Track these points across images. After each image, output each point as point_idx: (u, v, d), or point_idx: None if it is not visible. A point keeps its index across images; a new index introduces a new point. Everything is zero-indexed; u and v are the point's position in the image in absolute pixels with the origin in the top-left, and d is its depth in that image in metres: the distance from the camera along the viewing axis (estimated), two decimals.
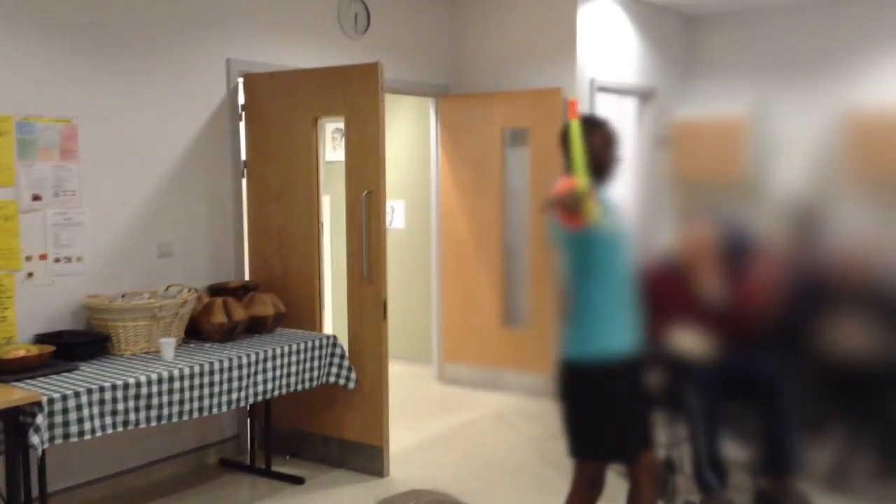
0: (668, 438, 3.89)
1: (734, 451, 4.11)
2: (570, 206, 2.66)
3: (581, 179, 2.70)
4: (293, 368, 4.10)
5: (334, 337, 4.34)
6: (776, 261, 3.86)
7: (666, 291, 3.77)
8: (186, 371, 3.60)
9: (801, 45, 6.66)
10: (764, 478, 3.87)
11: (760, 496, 3.89)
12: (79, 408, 3.23)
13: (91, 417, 3.27)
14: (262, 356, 3.94)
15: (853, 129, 4.46)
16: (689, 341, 3.68)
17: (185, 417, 3.60)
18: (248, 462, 4.57)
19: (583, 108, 5.88)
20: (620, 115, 6.54)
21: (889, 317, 3.80)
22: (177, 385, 3.55)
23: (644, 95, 6.69)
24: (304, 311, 4.58)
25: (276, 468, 4.46)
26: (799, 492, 3.80)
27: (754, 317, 3.76)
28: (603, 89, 6.09)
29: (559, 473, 4.46)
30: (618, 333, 2.94)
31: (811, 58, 6.60)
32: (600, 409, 2.94)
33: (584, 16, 5.85)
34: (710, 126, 5.49)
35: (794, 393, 3.80)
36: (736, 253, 3.83)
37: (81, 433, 3.24)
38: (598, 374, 2.92)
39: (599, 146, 2.97)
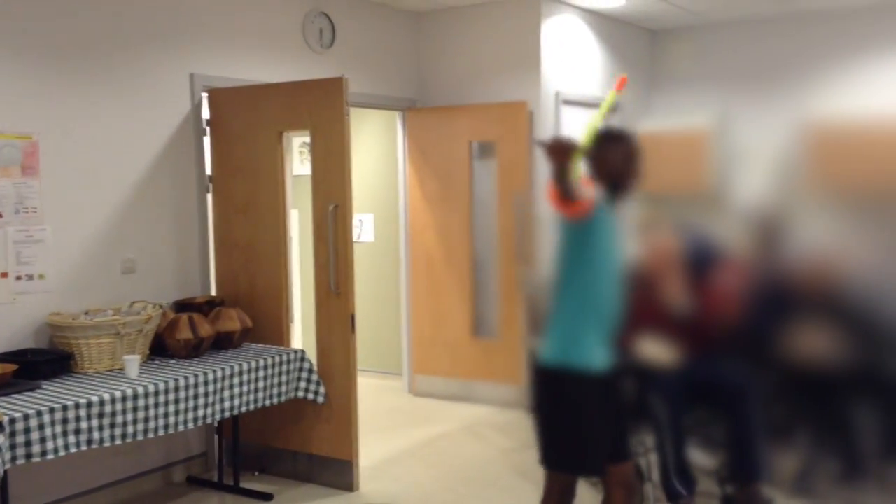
0: (637, 447, 3.92)
1: (701, 458, 4.14)
2: (561, 152, 2.63)
3: (586, 142, 2.75)
4: (261, 384, 4.08)
5: (302, 351, 4.33)
6: (740, 270, 3.91)
7: (631, 301, 3.80)
8: (151, 388, 3.57)
9: (762, 58, 6.78)
10: (731, 484, 3.90)
11: (728, 503, 3.92)
12: (41, 427, 3.19)
13: (54, 437, 3.23)
14: (228, 372, 3.91)
15: (813, 139, 4.54)
16: (655, 350, 3.71)
17: (151, 435, 3.57)
18: (215, 479, 4.54)
19: (551, 123, 5.94)
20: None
21: (851, 324, 3.86)
22: (141, 402, 3.52)
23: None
24: (271, 326, 4.56)
25: (244, 485, 4.43)
26: (765, 498, 3.84)
27: (719, 325, 3.80)
28: (568, 102, 6.15)
29: (531, 485, 4.47)
30: (600, 341, 2.92)
31: (772, 70, 6.72)
32: (575, 418, 2.93)
33: (548, 30, 5.91)
34: (673, 138, 5.56)
35: (759, 400, 3.85)
36: (700, 262, 3.87)
37: (44, 453, 3.20)
38: (577, 382, 2.90)
39: (620, 160, 2.95)
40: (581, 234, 2.89)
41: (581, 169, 2.76)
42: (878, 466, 3.91)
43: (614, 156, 2.95)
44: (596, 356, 2.92)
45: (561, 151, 2.63)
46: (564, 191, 2.69)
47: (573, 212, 2.77)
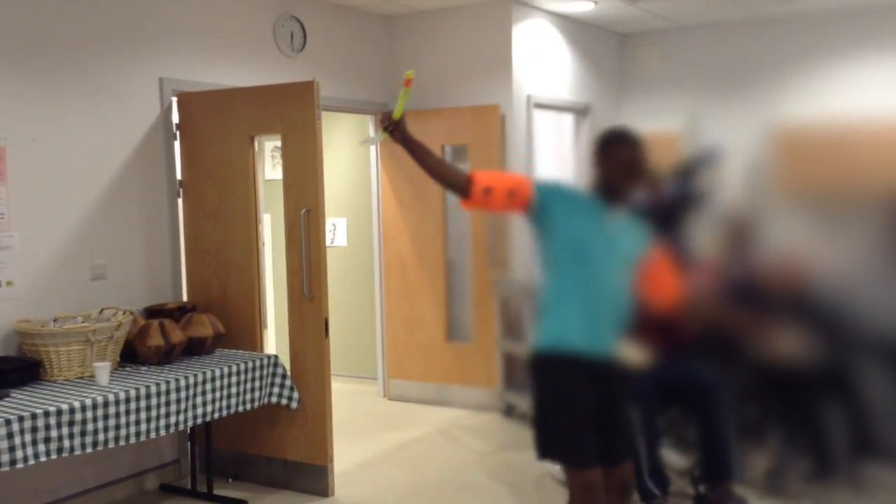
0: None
1: (675, 458, 4.18)
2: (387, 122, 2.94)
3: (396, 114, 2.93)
4: (234, 389, 4.05)
5: (275, 356, 4.30)
6: (711, 271, 3.94)
7: None
8: (122, 395, 3.53)
9: (731, 62, 6.86)
10: (704, 484, 3.94)
11: (701, 502, 3.95)
12: (10, 436, 3.14)
13: (23, 445, 3.18)
14: (200, 378, 3.88)
15: (782, 142, 4.60)
16: (627, 351, 3.73)
17: (122, 443, 3.53)
18: (189, 486, 4.49)
19: (523, 126, 5.96)
20: (558, 131, 6.64)
21: (820, 323, 3.90)
22: (112, 410, 3.48)
23: (580, 112, 6.81)
24: (244, 332, 4.53)
25: (218, 492, 4.39)
26: (738, 497, 3.87)
27: (690, 325, 3.82)
28: (540, 106, 6.18)
29: (505, 487, 4.47)
30: (571, 325, 2.86)
31: (741, 74, 6.79)
32: (547, 401, 2.89)
33: (519, 34, 5.94)
34: (644, 141, 5.60)
35: (730, 400, 3.88)
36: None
37: (13, 462, 3.15)
38: (558, 366, 2.86)
39: (616, 165, 2.87)
40: (534, 223, 2.89)
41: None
42: (848, 464, 3.96)
43: (611, 161, 2.88)
44: (569, 334, 2.87)
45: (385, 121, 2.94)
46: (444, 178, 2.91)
47: (473, 204, 2.87)
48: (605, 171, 2.91)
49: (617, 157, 2.88)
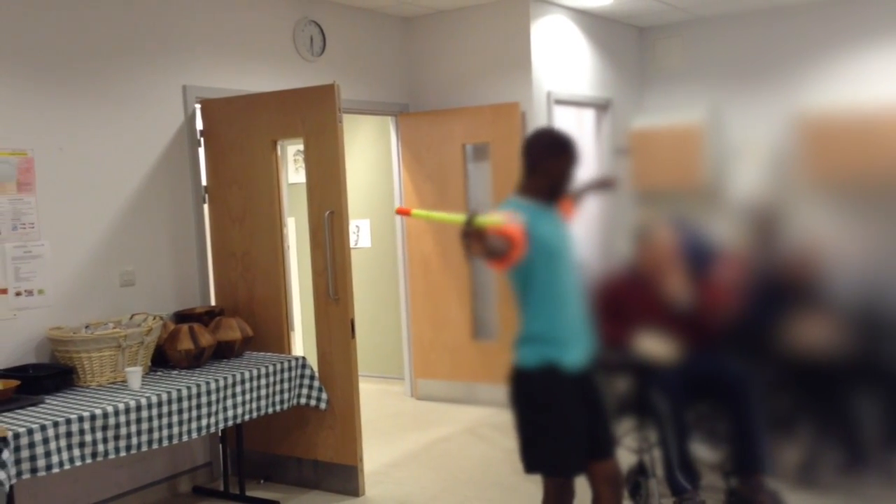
0: (640, 443, 3.93)
1: (705, 452, 4.15)
2: (474, 235, 2.54)
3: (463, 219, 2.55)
4: (263, 392, 4.09)
5: (303, 358, 4.34)
6: (738, 263, 3.92)
7: (629, 297, 3.82)
8: (154, 399, 3.57)
9: (751, 52, 6.80)
10: (735, 477, 3.91)
11: (732, 496, 3.93)
12: (45, 441, 3.19)
13: (58, 450, 3.24)
14: (230, 381, 3.92)
15: (805, 131, 4.56)
16: (655, 346, 3.72)
17: (155, 446, 3.57)
18: (221, 488, 4.54)
19: (543, 123, 5.95)
20: (579, 127, 6.63)
21: (848, 313, 3.87)
22: (144, 414, 3.53)
23: (601, 107, 6.79)
24: (272, 334, 4.57)
25: (250, 493, 4.43)
26: (770, 490, 3.85)
27: (718, 319, 3.81)
28: (560, 102, 6.17)
29: (535, 485, 4.46)
30: (560, 343, 2.94)
31: (762, 64, 6.74)
32: (539, 419, 2.95)
33: (537, 30, 5.94)
34: (667, 134, 5.58)
35: (761, 393, 3.86)
36: (698, 256, 3.89)
37: (49, 467, 3.20)
38: (546, 381, 2.93)
39: (559, 169, 3.00)
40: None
41: (497, 219, 2.65)
42: (881, 455, 3.92)
43: (557, 166, 2.99)
44: (558, 352, 2.93)
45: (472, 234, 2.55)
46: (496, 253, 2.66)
47: (513, 260, 2.76)
48: (555, 172, 3.00)
49: (567, 159, 3.00)
